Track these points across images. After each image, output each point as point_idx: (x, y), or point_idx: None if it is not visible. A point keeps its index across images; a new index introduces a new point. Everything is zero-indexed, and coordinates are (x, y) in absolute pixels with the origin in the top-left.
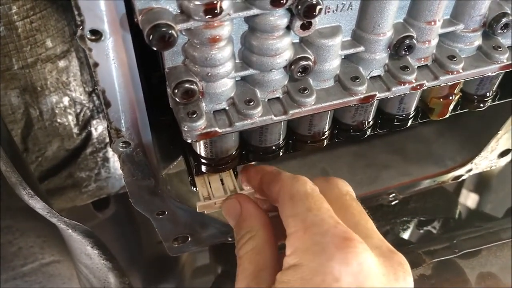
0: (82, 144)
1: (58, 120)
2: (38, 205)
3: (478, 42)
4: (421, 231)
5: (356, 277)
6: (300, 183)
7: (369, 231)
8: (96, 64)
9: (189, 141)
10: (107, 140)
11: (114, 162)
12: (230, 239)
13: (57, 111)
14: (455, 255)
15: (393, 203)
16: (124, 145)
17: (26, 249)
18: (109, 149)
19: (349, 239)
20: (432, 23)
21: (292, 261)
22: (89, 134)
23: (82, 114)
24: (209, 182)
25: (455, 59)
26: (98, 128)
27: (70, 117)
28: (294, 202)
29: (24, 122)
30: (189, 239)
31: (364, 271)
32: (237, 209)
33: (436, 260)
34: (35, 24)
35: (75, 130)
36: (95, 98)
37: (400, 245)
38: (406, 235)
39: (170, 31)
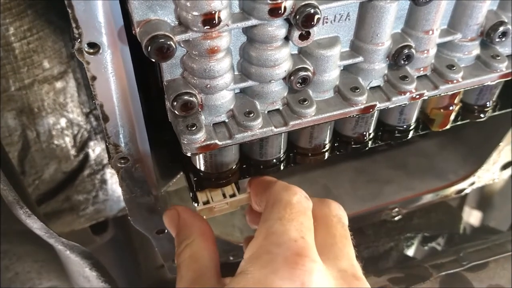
0: (79, 166)
1: (55, 142)
2: (35, 225)
3: (476, 51)
4: (426, 247)
5: None
6: (288, 193)
7: (342, 253)
8: (94, 78)
9: (189, 154)
10: (105, 161)
11: (112, 184)
12: (231, 258)
13: (54, 133)
14: (462, 268)
15: (396, 218)
16: (123, 161)
17: (23, 274)
18: (107, 171)
19: (301, 255)
20: (430, 32)
21: (243, 267)
22: (87, 155)
23: (79, 136)
24: (212, 198)
25: (454, 68)
26: (96, 149)
27: (67, 139)
28: (273, 208)
29: (21, 144)
30: None
31: None
32: (176, 218)
33: (443, 273)
34: (32, 45)
35: (73, 152)
36: (92, 119)
37: (405, 261)
38: (410, 252)
39: (168, 42)
